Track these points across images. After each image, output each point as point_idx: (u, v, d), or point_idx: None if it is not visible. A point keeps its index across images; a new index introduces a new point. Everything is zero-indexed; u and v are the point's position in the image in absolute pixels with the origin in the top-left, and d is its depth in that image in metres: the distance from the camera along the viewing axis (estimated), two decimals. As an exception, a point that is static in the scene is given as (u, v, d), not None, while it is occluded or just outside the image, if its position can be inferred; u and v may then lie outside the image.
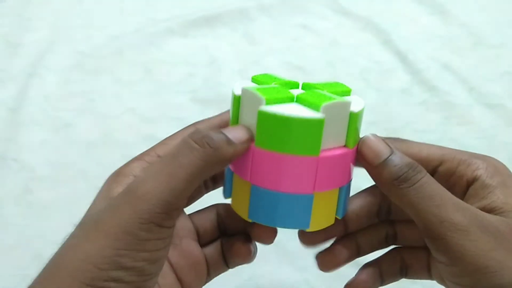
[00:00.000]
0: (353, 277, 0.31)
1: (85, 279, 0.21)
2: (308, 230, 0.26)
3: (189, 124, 0.28)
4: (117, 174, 0.25)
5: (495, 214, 0.24)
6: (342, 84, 0.28)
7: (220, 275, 0.43)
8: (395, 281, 0.30)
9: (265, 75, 0.28)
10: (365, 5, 0.72)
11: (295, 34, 0.67)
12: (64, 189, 0.48)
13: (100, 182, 0.52)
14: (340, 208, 0.26)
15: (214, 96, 0.58)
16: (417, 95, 0.60)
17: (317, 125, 0.23)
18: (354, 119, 0.25)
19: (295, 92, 0.25)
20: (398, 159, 0.25)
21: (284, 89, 0.25)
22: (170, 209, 0.22)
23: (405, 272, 0.30)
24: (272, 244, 0.45)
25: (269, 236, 0.28)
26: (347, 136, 0.25)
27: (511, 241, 0.23)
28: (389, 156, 0.25)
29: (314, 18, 0.70)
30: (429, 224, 0.23)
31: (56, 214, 0.46)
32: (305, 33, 0.67)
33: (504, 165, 0.27)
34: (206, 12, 0.68)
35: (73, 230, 0.24)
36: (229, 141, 0.23)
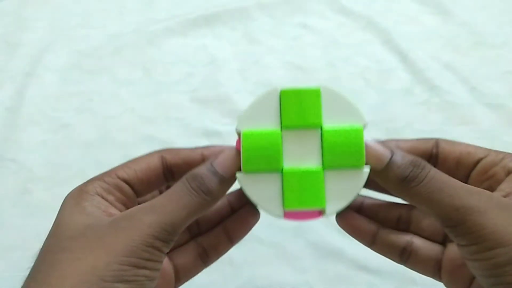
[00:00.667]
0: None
1: None
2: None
3: (156, 150, 0.29)
4: (81, 192, 0.27)
5: None
6: (359, 136, 0.26)
7: (220, 276, 0.43)
8: (392, 258, 0.30)
9: (292, 94, 0.26)
10: (366, 4, 0.71)
11: (295, 33, 0.67)
12: (63, 189, 0.47)
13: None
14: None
15: (214, 96, 0.58)
16: (418, 95, 0.60)
17: (276, 215, 0.26)
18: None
19: (289, 157, 0.26)
20: (400, 159, 0.25)
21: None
22: (169, 239, 0.25)
23: (407, 257, 0.30)
24: (272, 246, 0.45)
25: (252, 214, 0.30)
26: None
27: None
28: (390, 158, 0.25)
29: (314, 17, 0.70)
30: (445, 214, 0.24)
31: (55, 214, 0.46)
32: (305, 33, 0.67)
33: None
34: (206, 11, 0.68)
35: (53, 241, 0.24)
36: (222, 181, 0.26)
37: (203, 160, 0.28)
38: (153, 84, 0.59)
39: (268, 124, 0.26)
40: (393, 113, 0.57)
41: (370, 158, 0.26)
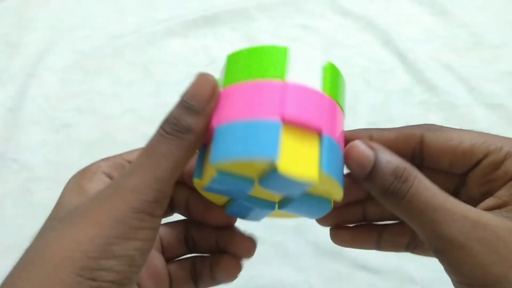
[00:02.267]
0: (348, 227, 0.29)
1: (75, 269, 0.20)
2: (279, 167, 0.21)
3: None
4: (84, 171, 0.26)
5: None
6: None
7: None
8: (396, 251, 0.29)
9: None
10: (365, 5, 0.71)
11: (295, 34, 0.67)
12: (64, 189, 0.48)
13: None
14: (324, 160, 0.22)
15: (214, 96, 0.58)
16: (417, 95, 0.60)
17: (282, 52, 0.23)
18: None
19: None
20: (384, 165, 0.23)
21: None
22: (160, 198, 0.22)
23: (412, 248, 0.29)
24: (272, 245, 0.45)
25: (248, 247, 0.28)
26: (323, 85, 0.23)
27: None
28: (372, 165, 0.23)
29: (314, 18, 0.70)
30: (426, 238, 0.23)
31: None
32: (305, 33, 0.67)
33: None
34: (206, 12, 0.68)
35: (45, 224, 0.24)
36: (197, 113, 0.23)
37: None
38: (154, 85, 0.59)
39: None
40: (393, 113, 0.57)
41: (354, 162, 0.23)
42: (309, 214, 0.27)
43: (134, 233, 0.21)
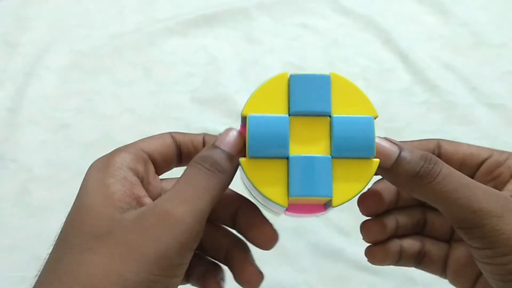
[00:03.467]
0: (381, 243, 0.29)
1: None
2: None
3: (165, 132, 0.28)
4: (107, 165, 0.25)
5: None
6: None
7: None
8: (408, 265, 0.30)
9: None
10: (366, 4, 0.71)
11: (295, 33, 0.67)
12: (63, 189, 0.48)
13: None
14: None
15: (214, 96, 0.58)
16: (418, 95, 0.59)
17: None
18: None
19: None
20: (409, 155, 0.24)
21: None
22: (200, 231, 0.23)
23: (420, 259, 0.30)
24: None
25: (256, 279, 0.28)
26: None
27: None
28: (399, 154, 0.24)
29: (314, 17, 0.70)
30: (461, 216, 0.23)
31: (55, 215, 0.46)
32: (305, 33, 0.67)
33: None
34: (206, 11, 0.68)
35: (74, 236, 0.23)
36: (230, 157, 0.25)
37: (204, 144, 0.28)
38: (153, 84, 0.59)
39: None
40: (393, 113, 0.57)
41: (377, 154, 0.24)
42: None
43: (176, 269, 0.22)
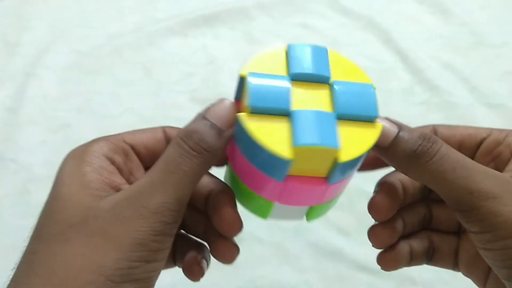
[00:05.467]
0: (391, 248, 0.28)
1: None
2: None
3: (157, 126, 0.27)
4: (84, 152, 0.24)
5: None
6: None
7: (220, 276, 0.43)
8: (420, 264, 0.29)
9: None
10: (366, 4, 0.71)
11: (295, 33, 0.67)
12: (63, 189, 0.48)
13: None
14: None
15: (214, 95, 0.57)
16: (418, 95, 0.59)
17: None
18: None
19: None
20: (408, 134, 0.23)
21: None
22: (178, 218, 0.22)
23: (431, 256, 0.29)
24: (272, 246, 0.44)
25: (230, 253, 0.27)
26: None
27: None
28: (398, 133, 0.23)
29: (314, 17, 0.70)
30: (458, 197, 0.23)
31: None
32: (305, 33, 0.67)
33: None
34: (206, 11, 0.68)
35: (50, 225, 0.22)
36: (220, 133, 0.23)
37: None
38: (153, 84, 0.59)
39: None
40: (393, 113, 0.57)
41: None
42: None
43: (154, 255, 0.22)
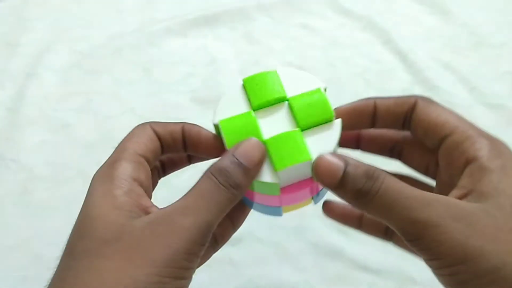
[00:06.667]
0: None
1: None
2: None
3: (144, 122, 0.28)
4: (112, 177, 0.25)
5: (484, 199, 0.23)
6: (321, 94, 0.28)
7: (220, 275, 0.43)
8: (375, 235, 0.31)
9: (254, 80, 0.29)
10: (366, 5, 0.71)
11: (295, 34, 0.67)
12: (63, 189, 0.48)
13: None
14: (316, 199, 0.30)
15: (214, 96, 0.58)
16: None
17: (274, 186, 0.26)
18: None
19: (267, 130, 0.27)
20: (353, 170, 0.24)
21: (255, 127, 0.27)
22: (205, 241, 0.24)
23: (390, 234, 0.31)
24: (272, 245, 0.45)
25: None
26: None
27: (488, 225, 0.22)
28: (345, 169, 0.24)
29: (314, 18, 0.70)
30: (403, 228, 0.23)
31: (55, 214, 0.46)
32: (305, 33, 0.67)
33: (509, 149, 0.26)
34: (206, 11, 0.68)
35: (84, 242, 0.23)
36: (247, 172, 0.25)
37: (183, 133, 0.28)
38: (153, 84, 0.59)
39: (241, 110, 0.28)
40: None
41: (323, 174, 0.25)
42: None
43: (183, 272, 0.23)
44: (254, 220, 0.46)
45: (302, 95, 0.28)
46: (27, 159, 0.50)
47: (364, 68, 0.63)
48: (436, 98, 0.60)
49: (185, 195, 0.24)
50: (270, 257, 0.44)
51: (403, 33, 0.67)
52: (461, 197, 0.24)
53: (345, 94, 0.59)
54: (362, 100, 0.29)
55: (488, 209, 0.23)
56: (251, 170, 0.25)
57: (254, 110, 0.28)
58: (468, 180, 0.24)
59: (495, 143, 0.26)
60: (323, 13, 0.70)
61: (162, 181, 0.50)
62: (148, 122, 0.28)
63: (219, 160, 0.25)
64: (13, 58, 0.60)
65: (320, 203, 0.32)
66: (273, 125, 0.27)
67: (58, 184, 0.48)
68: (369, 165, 0.24)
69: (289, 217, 0.47)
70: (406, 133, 0.29)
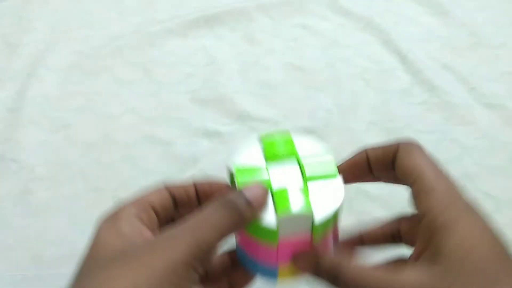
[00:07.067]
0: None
1: None
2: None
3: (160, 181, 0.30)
4: (115, 217, 0.27)
5: (432, 263, 0.24)
6: (331, 163, 0.30)
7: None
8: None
9: (270, 143, 0.31)
10: (365, 5, 0.71)
11: (295, 34, 0.67)
12: (64, 189, 0.48)
13: (99, 183, 0.52)
14: None
15: (214, 96, 0.58)
16: (417, 95, 0.60)
17: (272, 233, 0.27)
18: (316, 228, 0.28)
19: (291, 177, 0.29)
20: (322, 265, 0.28)
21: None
22: (204, 258, 0.25)
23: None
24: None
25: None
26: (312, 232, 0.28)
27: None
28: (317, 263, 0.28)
29: (314, 18, 0.70)
30: None
31: (56, 214, 0.46)
32: (305, 33, 0.67)
33: (464, 196, 0.27)
34: (206, 12, 0.68)
35: (89, 263, 0.25)
36: (249, 204, 0.27)
37: (196, 192, 0.30)
38: (154, 85, 0.59)
39: (255, 161, 0.30)
40: (393, 113, 0.57)
41: (299, 263, 0.29)
42: None
43: (183, 284, 0.24)
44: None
45: (313, 158, 0.30)
46: (28, 159, 0.50)
47: (363, 68, 0.63)
48: (435, 98, 0.60)
49: (189, 214, 0.26)
50: (270, 256, 0.44)
51: (403, 34, 0.67)
52: (417, 257, 0.25)
53: (345, 94, 0.59)
54: (356, 154, 0.30)
55: (431, 282, 0.23)
56: (254, 204, 0.27)
57: (267, 162, 0.30)
58: (421, 237, 0.25)
59: (452, 193, 0.26)
60: (323, 14, 0.70)
61: (162, 180, 0.50)
62: (163, 183, 0.30)
63: (229, 194, 0.27)
64: (13, 58, 0.61)
65: None
66: (282, 177, 0.29)
67: (58, 184, 0.49)
68: (332, 260, 0.27)
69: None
70: (401, 218, 0.31)
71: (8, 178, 0.49)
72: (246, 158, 0.30)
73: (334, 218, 0.28)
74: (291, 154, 0.30)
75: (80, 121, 0.54)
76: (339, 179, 0.29)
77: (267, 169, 0.30)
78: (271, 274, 0.31)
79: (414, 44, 0.66)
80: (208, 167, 0.50)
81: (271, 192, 0.28)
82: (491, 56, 0.65)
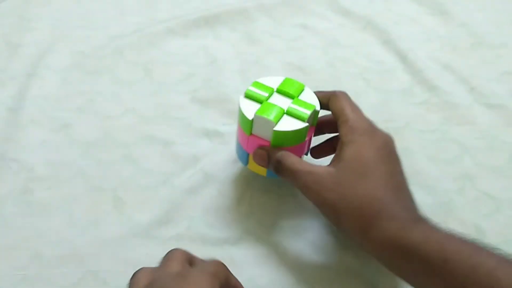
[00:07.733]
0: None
1: None
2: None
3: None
4: None
5: (335, 164, 0.38)
6: (311, 110, 0.42)
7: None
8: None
9: (257, 84, 0.44)
10: (365, 5, 0.72)
11: (295, 34, 0.67)
12: (64, 189, 0.48)
13: (100, 183, 0.52)
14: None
15: (214, 96, 0.58)
16: (417, 95, 0.60)
17: (249, 123, 0.42)
18: (275, 134, 0.41)
19: (283, 104, 0.43)
20: (272, 157, 0.41)
21: (277, 107, 0.42)
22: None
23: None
24: (272, 245, 0.45)
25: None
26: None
27: (330, 182, 0.38)
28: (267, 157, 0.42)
29: (314, 18, 0.70)
30: (298, 187, 0.40)
31: (56, 214, 0.46)
32: (305, 33, 0.67)
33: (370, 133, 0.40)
34: (206, 12, 0.68)
35: None
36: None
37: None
38: (154, 84, 0.59)
39: (270, 85, 0.44)
40: (393, 113, 0.58)
41: (257, 159, 0.43)
42: None
43: None
44: (254, 220, 0.47)
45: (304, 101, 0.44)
46: (28, 159, 0.50)
47: (363, 68, 0.63)
48: (435, 98, 0.60)
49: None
50: (270, 256, 0.45)
51: (403, 33, 0.67)
52: (333, 162, 0.39)
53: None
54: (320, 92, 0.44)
55: (333, 171, 0.38)
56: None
57: (276, 91, 0.44)
58: (336, 151, 0.40)
59: (359, 122, 0.40)
60: (323, 14, 0.70)
61: (162, 180, 0.50)
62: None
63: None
64: (14, 58, 0.61)
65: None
66: (277, 101, 0.43)
67: (58, 184, 0.49)
68: (281, 153, 0.41)
69: (289, 217, 0.47)
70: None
71: (9, 178, 0.49)
72: (265, 81, 0.44)
73: (293, 135, 0.41)
74: (295, 94, 0.43)
75: (80, 121, 0.54)
76: (305, 123, 0.41)
77: (272, 92, 0.43)
78: (244, 158, 0.45)
79: (414, 44, 0.66)
80: (208, 167, 0.50)
81: (264, 103, 0.42)
82: (491, 56, 0.65)
